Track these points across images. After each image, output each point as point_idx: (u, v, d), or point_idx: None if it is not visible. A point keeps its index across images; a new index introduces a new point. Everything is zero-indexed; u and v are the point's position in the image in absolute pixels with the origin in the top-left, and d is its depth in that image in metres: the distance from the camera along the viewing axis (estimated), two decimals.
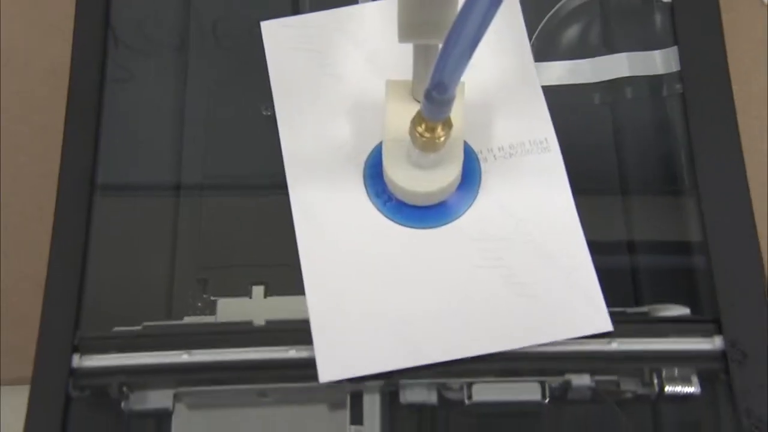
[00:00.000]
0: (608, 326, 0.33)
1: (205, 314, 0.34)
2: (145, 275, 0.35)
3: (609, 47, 0.38)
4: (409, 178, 0.33)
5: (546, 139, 0.36)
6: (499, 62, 0.37)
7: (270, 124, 0.36)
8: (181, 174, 0.37)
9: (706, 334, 0.33)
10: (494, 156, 0.36)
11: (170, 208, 0.36)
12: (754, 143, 0.43)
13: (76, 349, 0.33)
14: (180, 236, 0.35)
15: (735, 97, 0.37)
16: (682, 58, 0.37)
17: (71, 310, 0.33)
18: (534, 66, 0.37)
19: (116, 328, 0.33)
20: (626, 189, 0.36)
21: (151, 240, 0.35)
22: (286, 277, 0.34)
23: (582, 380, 0.32)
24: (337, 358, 0.32)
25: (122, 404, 0.32)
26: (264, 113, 0.37)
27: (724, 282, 0.33)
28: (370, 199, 0.35)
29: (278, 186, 0.35)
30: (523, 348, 0.32)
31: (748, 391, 0.31)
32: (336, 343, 0.32)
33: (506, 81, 0.37)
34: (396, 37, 0.29)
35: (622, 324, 0.33)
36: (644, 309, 0.34)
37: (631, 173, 0.36)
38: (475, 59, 0.26)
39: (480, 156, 0.36)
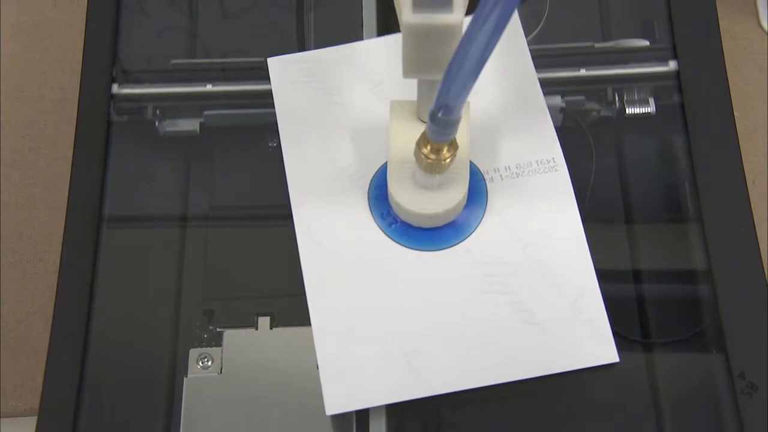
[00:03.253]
0: (614, 357, 0.32)
1: (211, 346, 0.34)
2: (151, 307, 0.35)
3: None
4: (415, 200, 0.33)
5: (553, 159, 0.35)
6: (504, 81, 0.37)
7: (276, 156, 0.37)
8: (188, 206, 0.37)
9: (663, 59, 0.37)
10: (501, 176, 0.35)
11: (176, 240, 0.36)
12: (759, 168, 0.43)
13: (114, 80, 0.38)
14: (186, 268, 0.35)
15: (738, 124, 0.37)
16: (683, 85, 0.37)
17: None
18: (539, 85, 0.37)
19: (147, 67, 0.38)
20: (630, 218, 0.36)
21: (157, 272, 0.35)
22: (292, 308, 0.34)
23: (554, 101, 0.37)
24: (343, 390, 0.32)
25: (156, 124, 0.37)
26: (270, 145, 0.37)
27: (730, 311, 0.33)
28: (375, 221, 0.34)
29: (284, 217, 0.35)
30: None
31: (757, 424, 0.31)
32: (343, 374, 0.32)
33: (511, 100, 0.36)
34: (399, 66, 0.29)
35: (590, 55, 0.38)
36: (610, 44, 0.38)
37: (635, 201, 0.36)
38: (479, 78, 0.25)
39: (486, 176, 0.35)
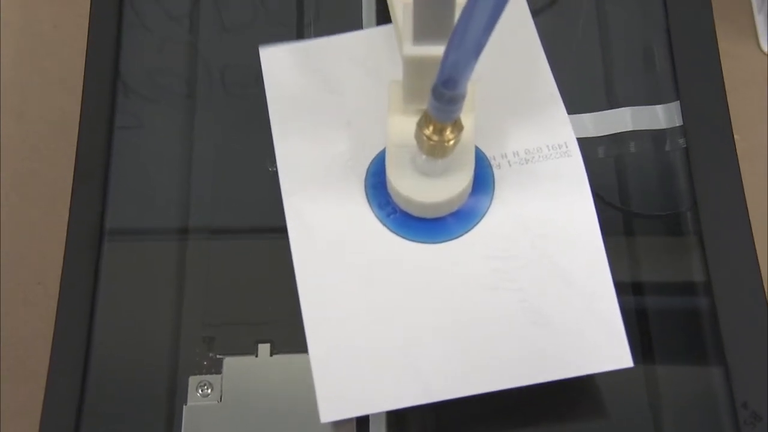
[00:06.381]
0: (629, 362, 0.30)
1: (211, 373, 0.34)
2: (151, 333, 0.35)
3: (611, 102, 0.38)
4: (415, 188, 0.31)
5: (566, 144, 0.33)
6: (510, 61, 0.34)
7: (275, 180, 0.37)
8: (189, 232, 0.37)
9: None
10: (509, 162, 0.33)
11: (177, 266, 0.36)
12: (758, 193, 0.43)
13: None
14: (186, 294, 0.35)
15: (738, 147, 0.37)
16: (685, 113, 0.37)
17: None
18: (548, 65, 0.35)
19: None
20: (632, 243, 0.36)
21: (157, 297, 0.35)
22: (293, 335, 0.33)
23: None
24: (340, 395, 0.30)
25: None
26: (270, 169, 0.37)
27: (731, 338, 0.33)
28: (373, 211, 0.32)
29: (285, 243, 0.34)
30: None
31: None
32: (339, 378, 0.30)
33: (519, 81, 0.34)
34: (399, 54, 0.28)
35: None
36: None
37: (636, 227, 0.36)
38: (485, 58, 0.24)
39: (493, 162, 0.33)
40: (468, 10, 0.23)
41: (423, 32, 0.26)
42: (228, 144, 0.38)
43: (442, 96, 0.25)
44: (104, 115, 0.38)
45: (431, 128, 0.28)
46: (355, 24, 0.39)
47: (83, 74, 0.38)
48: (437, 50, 0.26)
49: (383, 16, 0.38)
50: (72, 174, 0.37)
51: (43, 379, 0.33)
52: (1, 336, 0.42)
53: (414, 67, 0.27)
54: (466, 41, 0.23)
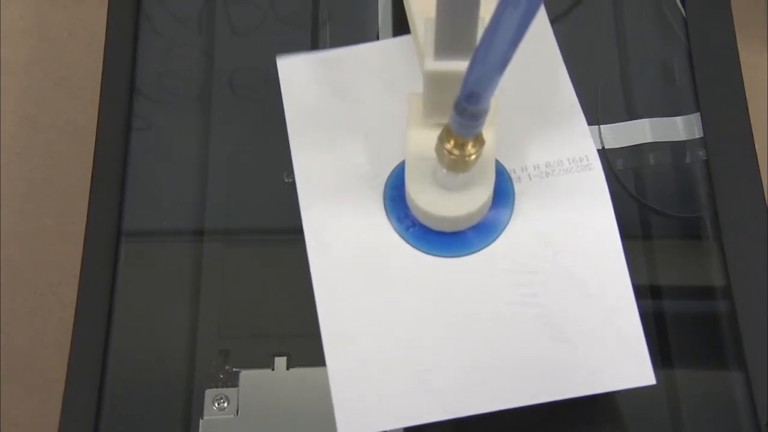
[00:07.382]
0: (651, 380, 0.30)
1: (227, 386, 0.33)
2: (167, 346, 0.34)
3: (630, 113, 0.38)
4: (435, 202, 0.30)
5: (587, 157, 0.33)
6: (530, 74, 0.34)
7: (292, 191, 0.36)
8: (204, 245, 0.36)
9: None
10: (529, 175, 0.33)
11: (193, 280, 0.36)
12: None
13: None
14: (202, 307, 0.35)
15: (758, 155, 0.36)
16: (705, 125, 0.37)
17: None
18: (568, 77, 0.35)
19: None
20: (651, 257, 0.36)
21: (173, 311, 0.35)
22: (309, 348, 0.33)
23: None
24: (358, 410, 0.30)
25: None
26: (286, 180, 0.37)
27: (753, 350, 0.33)
28: (391, 224, 0.32)
29: (302, 255, 0.34)
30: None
31: None
32: (357, 393, 0.30)
33: (539, 93, 0.34)
34: (417, 67, 0.28)
35: None
36: None
37: (656, 236, 0.36)
38: (506, 71, 0.23)
39: (513, 175, 0.33)
40: (493, 25, 0.23)
41: (445, 47, 0.26)
42: (243, 148, 0.37)
43: (464, 111, 0.25)
44: (121, 120, 0.38)
45: (452, 143, 0.28)
46: (370, 24, 0.38)
47: (101, 79, 0.38)
48: (459, 65, 0.26)
49: (399, 17, 0.38)
50: (86, 181, 0.37)
51: (55, 388, 0.33)
52: (3, 345, 0.42)
53: (435, 82, 0.27)
54: (491, 56, 0.23)
